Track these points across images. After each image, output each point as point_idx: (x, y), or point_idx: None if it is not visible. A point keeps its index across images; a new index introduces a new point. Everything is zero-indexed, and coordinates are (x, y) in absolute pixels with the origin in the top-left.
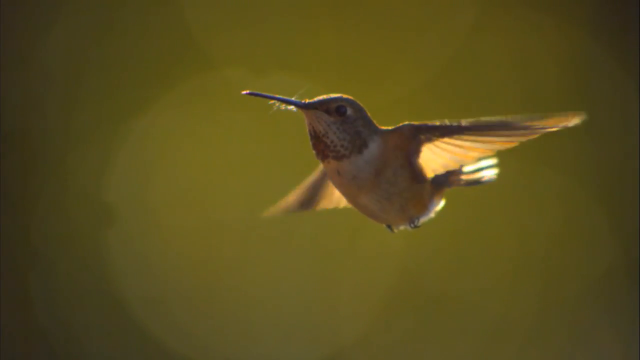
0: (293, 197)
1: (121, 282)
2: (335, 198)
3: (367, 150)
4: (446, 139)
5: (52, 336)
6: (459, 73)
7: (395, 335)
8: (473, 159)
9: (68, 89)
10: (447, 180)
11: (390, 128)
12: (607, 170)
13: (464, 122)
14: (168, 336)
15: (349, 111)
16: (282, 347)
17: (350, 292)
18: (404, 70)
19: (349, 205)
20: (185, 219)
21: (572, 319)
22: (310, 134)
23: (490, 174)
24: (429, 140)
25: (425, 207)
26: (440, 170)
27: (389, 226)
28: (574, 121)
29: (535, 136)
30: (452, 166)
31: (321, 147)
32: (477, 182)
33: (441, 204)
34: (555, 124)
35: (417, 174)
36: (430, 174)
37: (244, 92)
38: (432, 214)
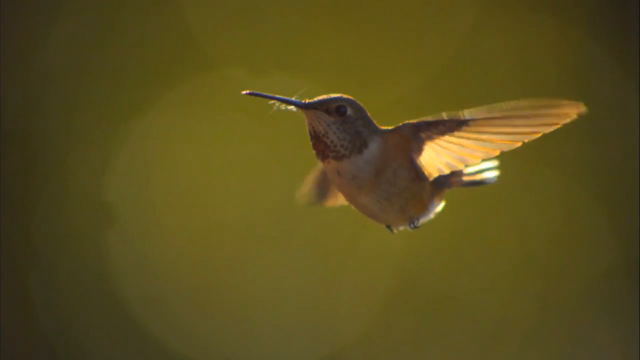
0: (308, 188)
1: (121, 282)
2: (340, 198)
3: (367, 150)
4: (447, 137)
5: (52, 336)
6: (459, 73)
7: (395, 335)
8: (477, 158)
9: (68, 89)
10: (448, 181)
11: (390, 128)
12: (607, 170)
13: (463, 115)
14: (168, 336)
15: (349, 111)
16: (282, 347)
17: (350, 292)
18: (404, 70)
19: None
20: (185, 219)
21: (572, 319)
22: (310, 134)
23: (491, 176)
24: (430, 138)
25: (425, 207)
26: (445, 170)
27: (388, 226)
28: (574, 110)
29: (538, 135)
30: (457, 166)
31: (321, 147)
32: (477, 184)
33: (441, 205)
34: (556, 113)
35: (418, 173)
36: (435, 172)
37: (244, 92)
38: (431, 215)
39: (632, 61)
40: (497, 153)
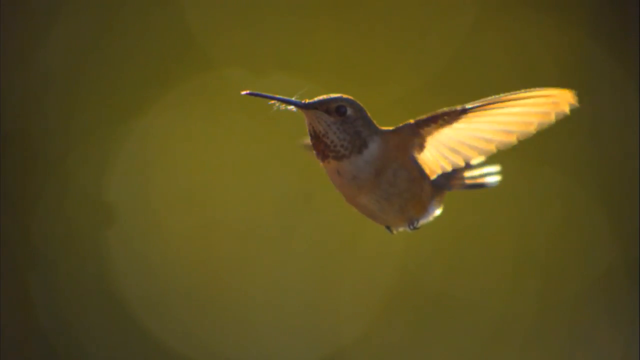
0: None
1: (121, 282)
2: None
3: (367, 150)
4: (446, 130)
5: (52, 336)
6: (459, 73)
7: (395, 335)
8: (476, 153)
9: (68, 89)
10: (449, 183)
11: (390, 128)
12: (607, 170)
13: (461, 107)
14: (168, 336)
15: (349, 111)
16: (282, 347)
17: (350, 292)
18: (404, 70)
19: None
20: (185, 219)
21: (572, 319)
22: (311, 134)
23: (492, 180)
24: (430, 133)
25: (424, 208)
26: (447, 167)
27: (388, 227)
28: (562, 96)
29: (532, 127)
30: (457, 162)
31: (321, 147)
32: (478, 187)
33: (440, 208)
34: (545, 98)
35: (418, 173)
36: (437, 169)
37: (243, 92)
38: (431, 217)
39: (632, 61)
40: (494, 149)
